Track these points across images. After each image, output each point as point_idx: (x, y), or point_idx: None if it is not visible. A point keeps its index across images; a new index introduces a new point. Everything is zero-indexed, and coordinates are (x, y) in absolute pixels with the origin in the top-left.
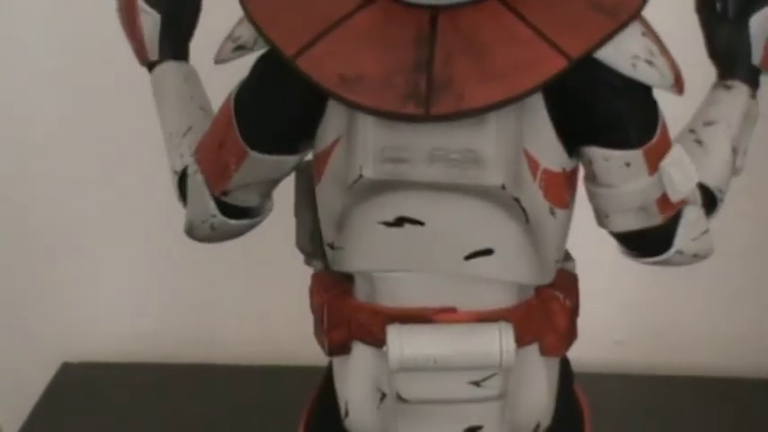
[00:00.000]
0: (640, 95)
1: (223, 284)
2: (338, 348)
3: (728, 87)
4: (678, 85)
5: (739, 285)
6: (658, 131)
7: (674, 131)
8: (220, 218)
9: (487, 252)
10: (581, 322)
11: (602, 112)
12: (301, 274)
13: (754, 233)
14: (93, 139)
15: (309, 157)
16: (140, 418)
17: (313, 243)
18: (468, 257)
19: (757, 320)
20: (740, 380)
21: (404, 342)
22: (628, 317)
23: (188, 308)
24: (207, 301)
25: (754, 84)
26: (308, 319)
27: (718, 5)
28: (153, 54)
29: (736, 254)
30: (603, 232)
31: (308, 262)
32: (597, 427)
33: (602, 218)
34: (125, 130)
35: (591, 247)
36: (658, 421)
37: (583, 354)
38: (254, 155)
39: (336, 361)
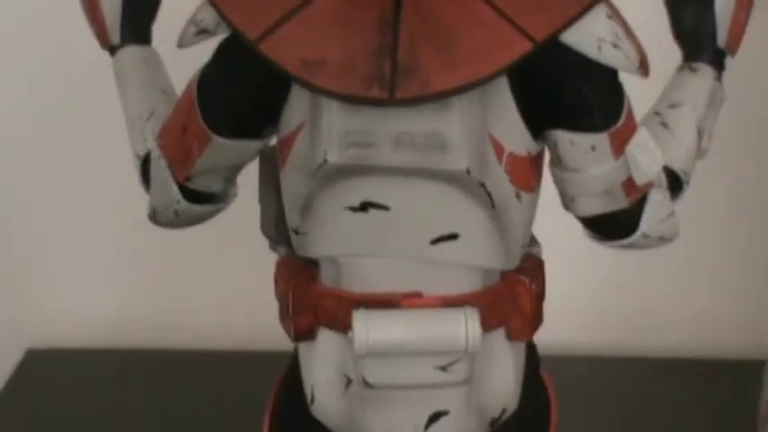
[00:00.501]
0: (606, 79)
1: (188, 270)
2: (304, 334)
3: (694, 70)
4: (643, 68)
5: (707, 267)
6: (624, 115)
7: (639, 114)
8: (184, 203)
9: (453, 237)
10: (547, 305)
11: (568, 95)
12: (266, 259)
13: (723, 215)
14: (53, 123)
15: (274, 141)
16: (106, 404)
17: (278, 229)
18: (433, 242)
19: (726, 301)
20: (708, 361)
21: (369, 327)
22: (593, 299)
23: (153, 294)
24: (172, 286)
25: (719, 66)
26: (274, 305)
27: None
28: (114, 38)
29: (704, 236)
30: (569, 215)
31: (272, 248)
32: (564, 410)
33: (567, 202)
34: (86, 114)
35: (557, 229)
36: (625, 403)
37: (549, 337)
38: (218, 139)
39: (302, 347)
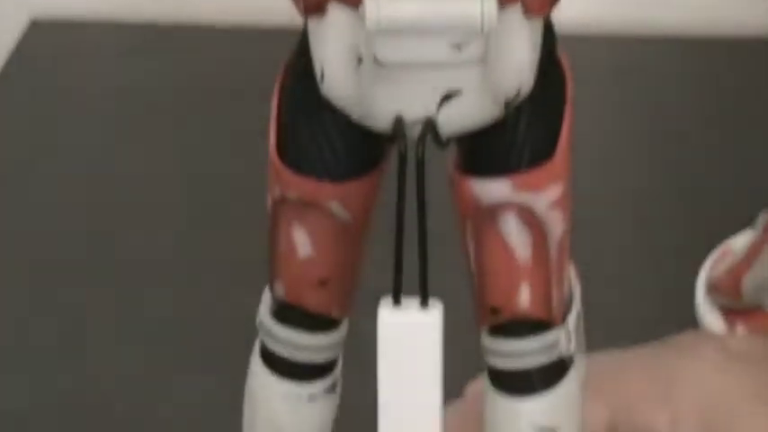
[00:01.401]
0: None
1: None
2: (314, 7)
3: None
4: None
5: None
6: None
7: None
8: None
9: None
10: None
11: None
12: None
13: None
14: None
15: None
16: (111, 78)
17: None
18: None
19: None
20: (730, 39)
21: (381, 2)
22: None
23: None
24: None
25: None
26: None
27: None
28: None
29: None
30: None
31: None
32: (579, 90)
33: None
34: None
35: None
36: (642, 83)
37: (566, 15)
38: None
39: (312, 23)
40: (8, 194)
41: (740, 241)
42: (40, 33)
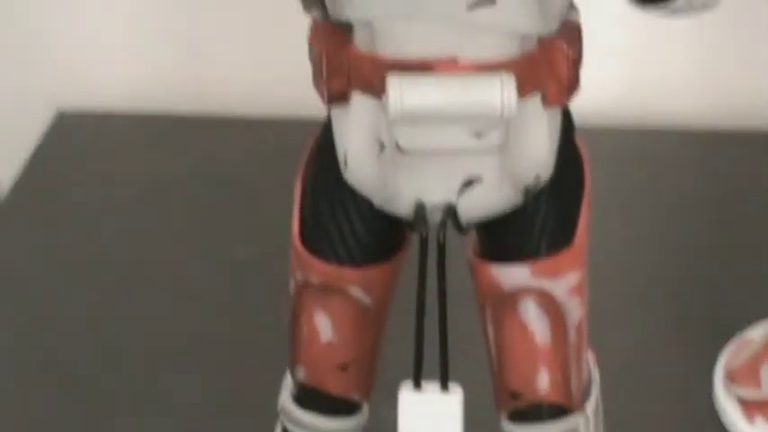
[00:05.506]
0: None
1: (220, 33)
2: (337, 97)
3: None
4: None
5: (737, 38)
6: None
7: None
8: None
9: (490, 1)
10: (583, 72)
11: None
12: (300, 22)
13: None
14: None
15: None
16: (136, 167)
17: None
18: (470, 7)
19: (754, 74)
20: (742, 132)
21: (404, 92)
22: (625, 68)
23: (183, 57)
24: (203, 50)
25: None
26: (307, 70)
27: None
28: None
29: (735, 5)
30: None
31: (306, 10)
32: (597, 178)
33: None
34: None
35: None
36: (659, 173)
37: (583, 105)
38: None
39: (335, 112)
40: (35, 280)
41: (758, 331)
42: (67, 124)
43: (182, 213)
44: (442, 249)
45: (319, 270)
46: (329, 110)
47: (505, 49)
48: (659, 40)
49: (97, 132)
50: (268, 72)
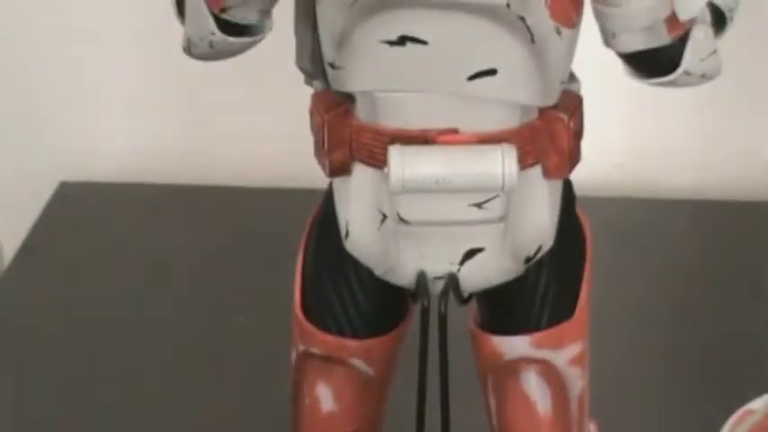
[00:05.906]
0: None
1: (221, 104)
2: (339, 169)
3: None
4: None
5: (737, 107)
6: None
7: None
8: (219, 35)
9: (491, 72)
10: (584, 143)
11: None
12: (301, 94)
13: (753, 55)
14: None
15: None
16: (138, 237)
17: (313, 62)
18: (471, 78)
19: (755, 144)
20: (743, 202)
21: (405, 163)
22: (625, 138)
23: (184, 129)
24: (205, 121)
25: None
26: (308, 141)
27: None
28: None
29: (734, 75)
30: (609, 52)
31: (308, 82)
32: (598, 248)
33: (608, 38)
34: None
35: (596, 66)
36: (661, 243)
37: (584, 175)
38: None
39: (337, 182)
40: (38, 346)
41: (760, 402)
42: (69, 194)
43: (181, 281)
44: (443, 320)
45: (321, 341)
46: (331, 180)
47: (506, 119)
48: (659, 112)
49: (99, 202)
50: (269, 144)
